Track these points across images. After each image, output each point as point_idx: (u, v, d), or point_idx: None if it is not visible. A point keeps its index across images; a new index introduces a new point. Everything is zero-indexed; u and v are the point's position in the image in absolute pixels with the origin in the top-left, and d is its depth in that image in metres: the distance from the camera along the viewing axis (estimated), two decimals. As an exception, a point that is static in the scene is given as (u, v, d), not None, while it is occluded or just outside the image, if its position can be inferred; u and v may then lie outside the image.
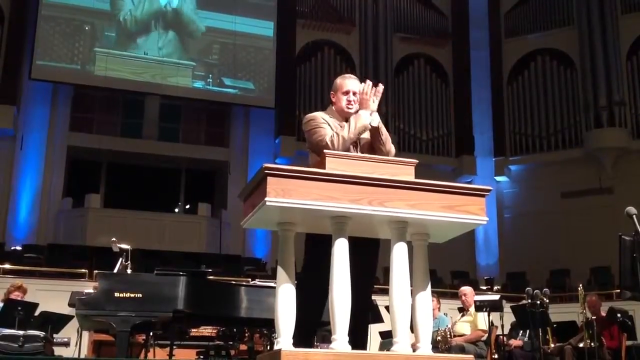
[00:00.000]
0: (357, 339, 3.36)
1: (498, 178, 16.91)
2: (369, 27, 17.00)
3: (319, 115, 3.68)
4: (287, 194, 2.91)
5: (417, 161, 3.34)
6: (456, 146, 17.14)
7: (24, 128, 14.47)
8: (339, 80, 3.80)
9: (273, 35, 16.17)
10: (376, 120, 3.56)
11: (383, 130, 3.62)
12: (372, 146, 3.63)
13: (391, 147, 3.65)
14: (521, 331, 8.55)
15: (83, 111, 15.64)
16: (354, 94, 3.69)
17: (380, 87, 3.56)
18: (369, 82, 3.56)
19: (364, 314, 3.59)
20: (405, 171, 3.22)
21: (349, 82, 3.75)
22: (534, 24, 17.52)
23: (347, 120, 3.63)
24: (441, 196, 3.10)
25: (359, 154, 3.46)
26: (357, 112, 3.62)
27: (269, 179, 2.92)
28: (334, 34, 17.03)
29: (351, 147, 3.55)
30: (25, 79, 14.52)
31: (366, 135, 3.63)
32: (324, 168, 3.10)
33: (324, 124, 3.60)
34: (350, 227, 3.09)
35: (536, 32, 17.43)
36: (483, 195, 3.18)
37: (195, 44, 15.67)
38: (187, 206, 16.35)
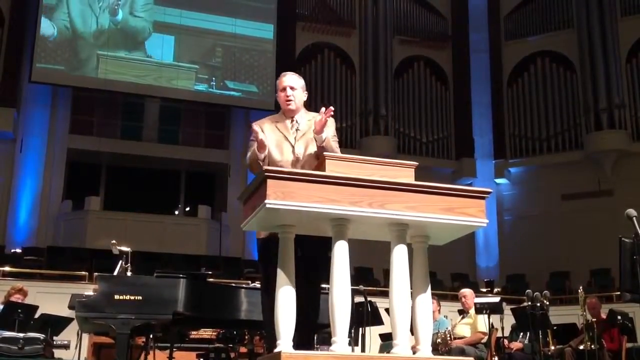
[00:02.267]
0: (302, 337, 3.39)
1: (498, 180, 16.91)
2: (369, 29, 17.00)
3: (257, 126, 3.73)
4: (287, 197, 2.91)
5: (417, 163, 3.34)
6: (456, 148, 17.14)
7: (23, 131, 14.48)
8: (277, 80, 3.88)
9: (273, 37, 16.18)
10: (320, 140, 3.61)
11: (329, 147, 3.65)
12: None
13: None
14: (521, 333, 8.54)
15: (83, 114, 15.64)
16: (292, 88, 3.79)
17: (331, 109, 3.58)
18: None
19: (312, 313, 3.59)
20: (405, 173, 3.23)
21: (284, 79, 3.84)
22: (534, 26, 17.52)
23: (292, 117, 3.78)
24: (441, 198, 3.10)
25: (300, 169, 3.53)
26: (297, 108, 3.79)
27: (269, 181, 2.92)
28: (334, 37, 17.04)
29: (294, 157, 3.68)
30: (25, 82, 14.53)
31: (310, 149, 3.70)
32: (324, 171, 3.11)
33: (253, 142, 3.69)
34: (350, 230, 3.09)
35: (536, 35, 17.43)
36: (483, 198, 3.17)
37: (197, 47, 15.67)
38: (187, 208, 16.34)
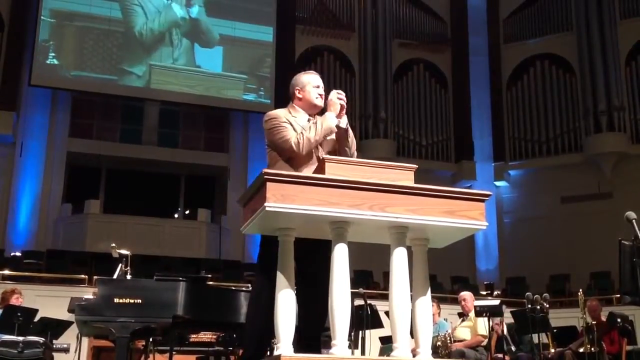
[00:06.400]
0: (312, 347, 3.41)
1: (497, 183, 16.91)
2: (368, 32, 17.02)
3: (281, 114, 3.61)
4: (286, 200, 2.91)
5: (417, 166, 3.34)
6: (456, 151, 17.15)
7: (23, 134, 14.47)
8: (305, 76, 3.76)
9: (272, 40, 16.18)
10: (344, 122, 3.55)
11: (350, 132, 3.62)
12: (336, 148, 3.62)
13: (355, 151, 3.65)
14: (506, 340, 8.44)
15: (82, 117, 15.65)
16: (322, 89, 3.72)
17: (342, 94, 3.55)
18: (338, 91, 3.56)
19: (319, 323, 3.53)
20: (405, 176, 3.23)
21: (317, 77, 3.76)
22: (533, 29, 17.54)
23: (312, 115, 3.66)
24: (441, 201, 3.09)
25: (324, 155, 3.41)
26: (323, 111, 3.63)
27: (269, 184, 2.91)
28: (334, 40, 17.05)
29: (318, 154, 3.51)
30: (24, 85, 14.53)
31: (331, 136, 3.61)
32: (324, 174, 3.11)
33: (286, 124, 3.55)
34: (349, 233, 3.09)
35: (535, 38, 17.45)
36: (483, 200, 3.17)
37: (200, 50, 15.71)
38: (187, 212, 16.33)
